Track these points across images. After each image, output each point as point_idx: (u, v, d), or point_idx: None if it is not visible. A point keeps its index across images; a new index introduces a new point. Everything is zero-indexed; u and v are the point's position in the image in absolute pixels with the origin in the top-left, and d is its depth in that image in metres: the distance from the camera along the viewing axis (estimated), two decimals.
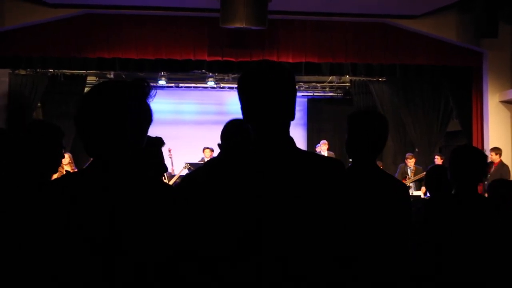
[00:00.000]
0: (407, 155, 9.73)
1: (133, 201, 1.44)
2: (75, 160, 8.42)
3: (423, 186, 9.07)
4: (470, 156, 2.37)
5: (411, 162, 9.50)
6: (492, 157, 7.99)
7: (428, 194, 6.83)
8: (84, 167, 1.55)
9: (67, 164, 8.23)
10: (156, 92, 1.50)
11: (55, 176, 2.58)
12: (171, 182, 7.78)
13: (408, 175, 9.41)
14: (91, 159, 1.50)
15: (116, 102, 1.45)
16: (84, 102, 1.48)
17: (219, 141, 2.13)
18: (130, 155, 1.48)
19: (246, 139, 1.48)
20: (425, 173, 8.90)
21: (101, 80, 11.28)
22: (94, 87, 1.51)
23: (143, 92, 1.48)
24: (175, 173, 8.75)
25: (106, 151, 1.45)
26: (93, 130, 1.45)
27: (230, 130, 2.09)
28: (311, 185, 1.39)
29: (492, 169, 7.94)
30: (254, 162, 1.41)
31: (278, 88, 1.45)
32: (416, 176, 9.31)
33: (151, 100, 1.49)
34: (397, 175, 9.31)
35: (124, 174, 1.47)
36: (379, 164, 9.85)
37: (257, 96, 1.44)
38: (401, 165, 9.79)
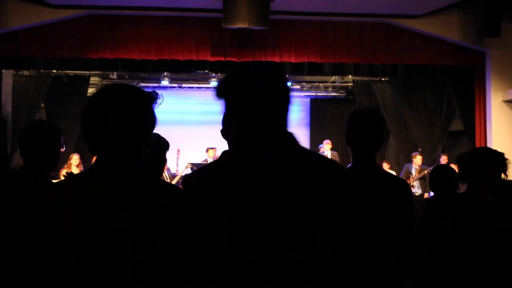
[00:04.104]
0: (413, 153, 9.67)
1: (141, 201, 1.46)
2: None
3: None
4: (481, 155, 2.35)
5: (417, 161, 9.43)
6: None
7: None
8: (92, 167, 1.56)
9: (77, 165, 8.27)
10: (163, 101, 1.55)
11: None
12: (173, 182, 7.81)
13: (412, 174, 9.33)
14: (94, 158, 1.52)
15: (132, 106, 1.49)
16: (96, 104, 1.50)
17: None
18: (139, 157, 1.51)
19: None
20: (426, 171, 8.96)
21: (104, 81, 11.36)
22: (107, 90, 1.53)
23: (153, 99, 1.53)
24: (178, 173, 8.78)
25: (116, 152, 1.48)
26: (104, 132, 1.47)
27: None
28: (310, 185, 1.38)
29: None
30: (255, 166, 1.40)
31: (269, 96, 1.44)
32: (419, 174, 9.26)
33: (156, 107, 1.55)
34: (402, 175, 9.27)
35: (132, 176, 1.50)
36: (386, 164, 9.88)
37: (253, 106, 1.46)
38: (407, 164, 9.75)
